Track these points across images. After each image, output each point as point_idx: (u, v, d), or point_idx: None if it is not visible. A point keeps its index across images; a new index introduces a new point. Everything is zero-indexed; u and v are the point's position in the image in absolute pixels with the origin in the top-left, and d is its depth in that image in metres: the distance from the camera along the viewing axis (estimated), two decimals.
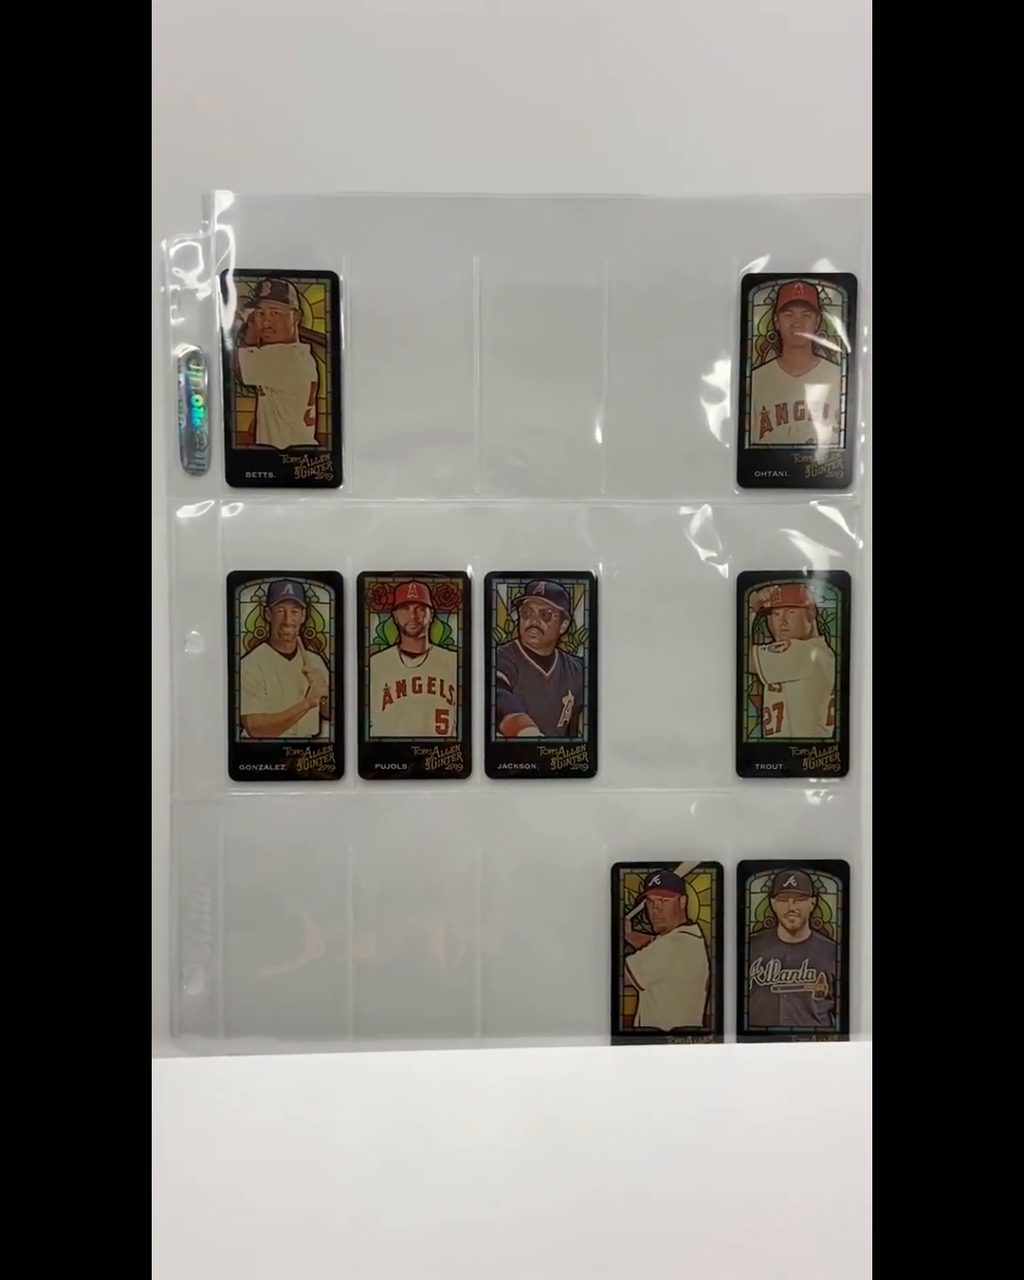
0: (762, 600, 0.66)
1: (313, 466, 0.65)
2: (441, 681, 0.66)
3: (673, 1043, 0.67)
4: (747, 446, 0.66)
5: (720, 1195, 0.62)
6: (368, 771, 0.66)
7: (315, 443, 0.65)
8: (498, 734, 0.67)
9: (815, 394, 0.66)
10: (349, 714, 0.66)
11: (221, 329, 0.65)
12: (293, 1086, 0.63)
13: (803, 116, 0.65)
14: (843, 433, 0.66)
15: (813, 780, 0.67)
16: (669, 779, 0.67)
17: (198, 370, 0.65)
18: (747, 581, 0.66)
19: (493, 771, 0.67)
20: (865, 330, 0.66)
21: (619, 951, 0.67)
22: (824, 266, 0.66)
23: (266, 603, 0.66)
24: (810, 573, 0.66)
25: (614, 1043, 0.67)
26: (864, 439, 0.66)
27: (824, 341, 0.66)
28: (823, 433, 0.66)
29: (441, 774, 0.66)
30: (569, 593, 0.66)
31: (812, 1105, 0.64)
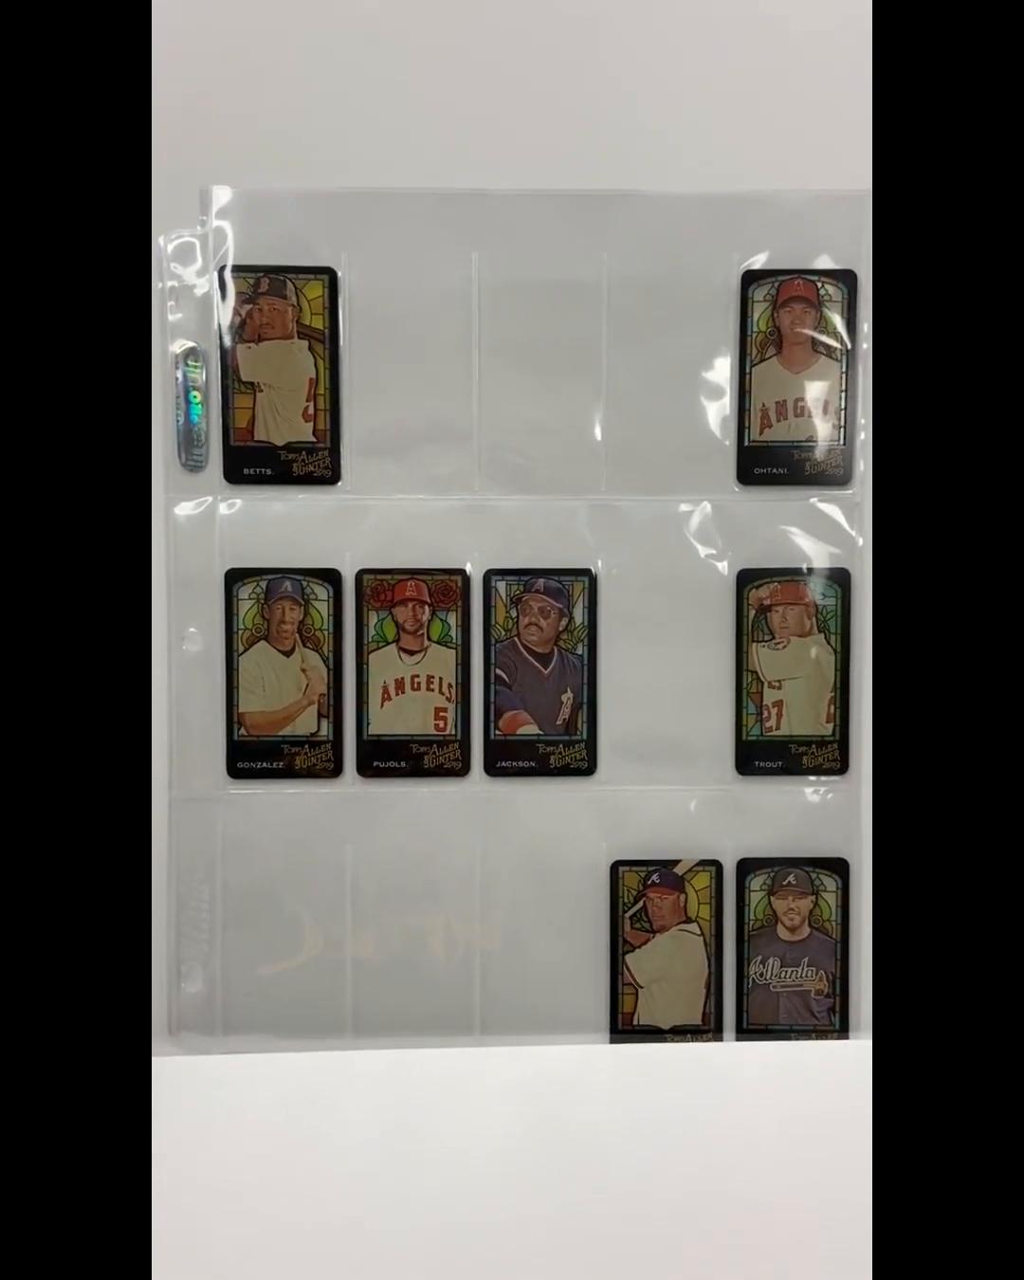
0: (761, 597, 0.66)
1: (311, 463, 0.65)
2: (440, 679, 0.66)
3: (672, 1041, 0.67)
4: (746, 443, 0.66)
5: (720, 1194, 0.62)
6: (366, 769, 0.66)
7: (314, 439, 0.65)
8: (497, 732, 0.66)
9: (815, 391, 0.66)
10: (347, 712, 0.66)
11: (219, 325, 0.65)
12: (291, 1085, 0.63)
13: (803, 112, 0.65)
14: (843, 429, 0.66)
15: (812, 778, 0.67)
16: (668, 777, 0.67)
17: (196, 366, 0.65)
18: (746, 579, 0.66)
19: (492, 769, 0.66)
20: (866, 327, 0.66)
21: (618, 949, 0.67)
22: (824, 263, 0.65)
23: (265, 600, 0.65)
24: (810, 570, 0.66)
25: (613, 1041, 0.67)
26: (864, 436, 0.66)
27: (824, 338, 0.66)
28: (823, 429, 0.66)
29: (440, 772, 0.66)
30: (568, 590, 0.66)
31: (811, 1104, 0.63)
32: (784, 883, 0.67)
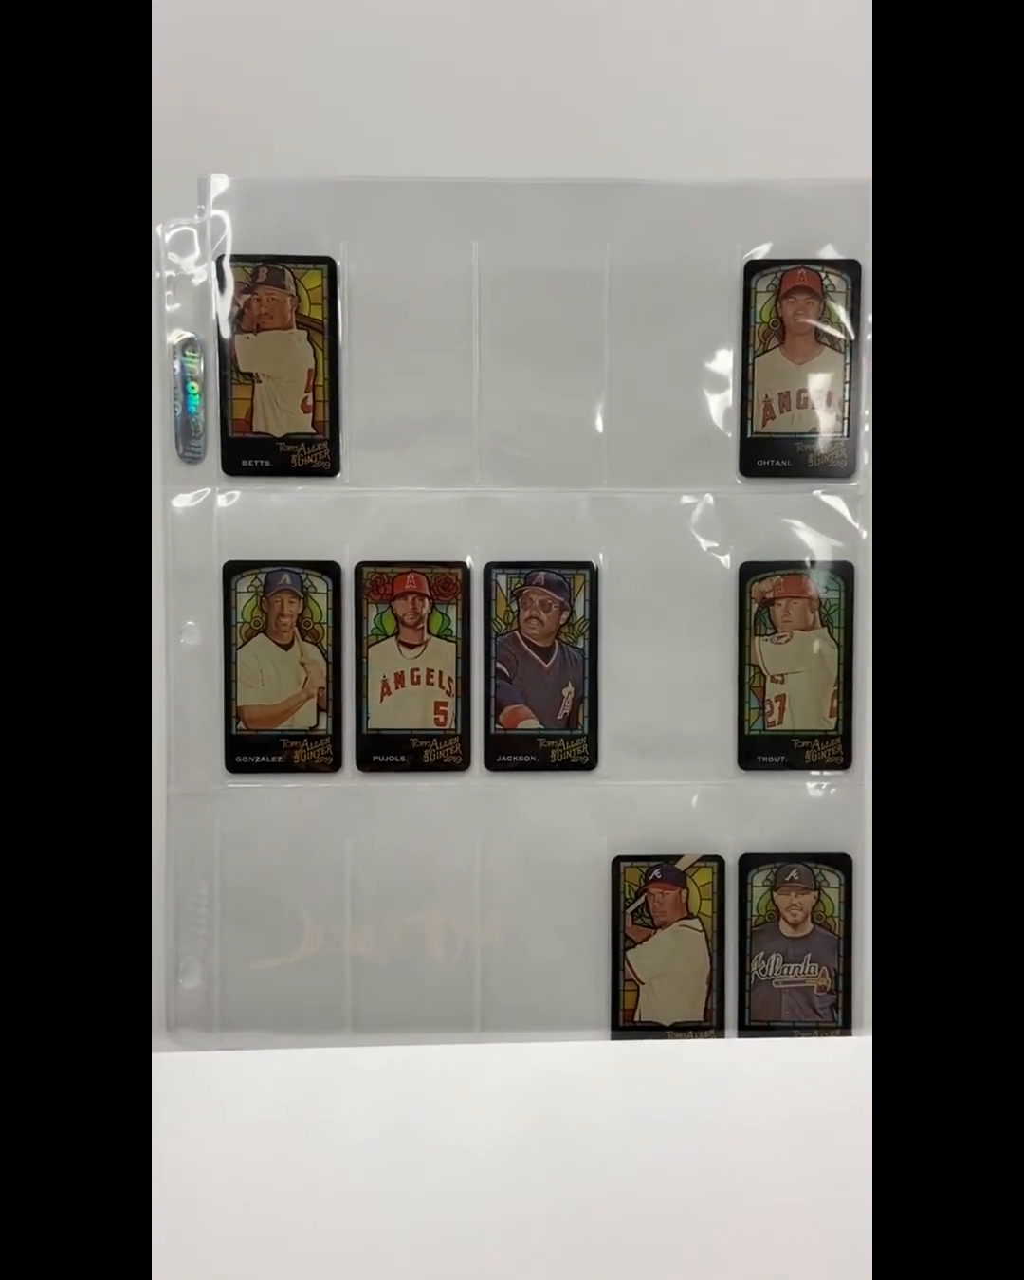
0: (764, 591, 0.66)
1: (310, 455, 0.65)
2: (440, 673, 0.66)
3: (673, 1038, 0.66)
4: (749, 435, 0.66)
5: (721, 1192, 0.62)
6: (366, 764, 0.66)
7: (312, 431, 0.65)
8: (497, 726, 0.66)
9: (818, 382, 0.65)
10: (347, 705, 0.66)
11: (218, 315, 0.64)
12: (290, 1082, 0.63)
13: (807, 100, 0.64)
14: (846, 421, 0.65)
15: (815, 773, 0.66)
16: (670, 771, 0.66)
17: (193, 357, 0.64)
18: (749, 572, 0.66)
19: (492, 764, 0.66)
20: (870, 317, 0.65)
21: (619, 946, 0.66)
22: (828, 253, 0.65)
23: (263, 593, 0.65)
24: (813, 563, 0.66)
25: (614, 1038, 0.66)
26: (867, 428, 0.65)
27: (827, 329, 0.65)
28: (826, 421, 0.65)
29: (440, 766, 0.66)
30: (569, 583, 0.66)
31: (813, 1101, 0.63)
32: (786, 878, 0.66)
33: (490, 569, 0.65)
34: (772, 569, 0.66)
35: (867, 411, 0.65)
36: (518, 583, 0.66)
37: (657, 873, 0.66)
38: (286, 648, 0.65)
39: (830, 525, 0.66)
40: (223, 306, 0.64)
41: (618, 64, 0.64)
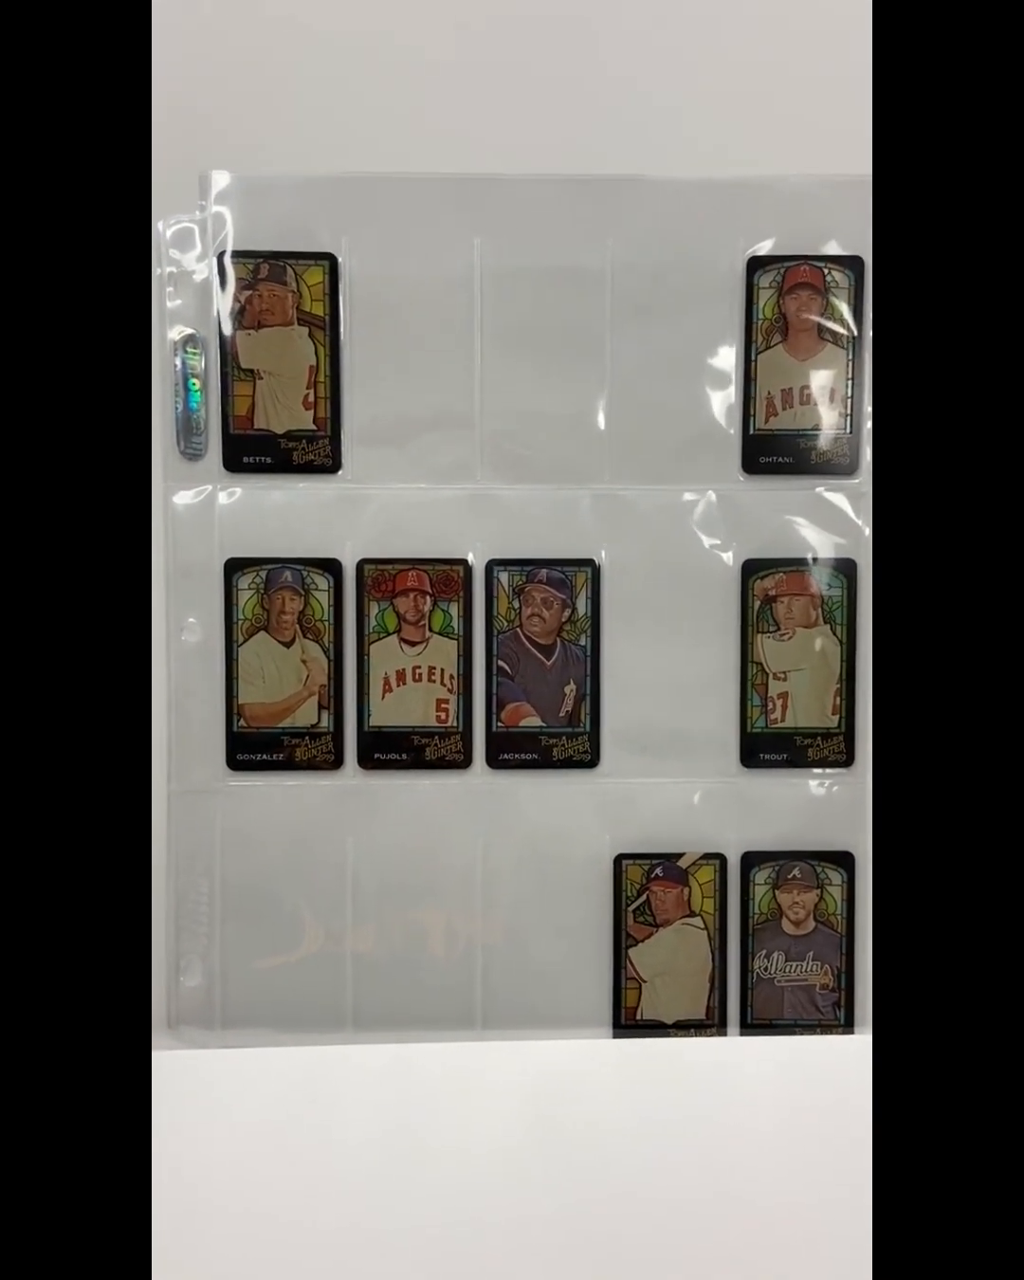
0: (766, 588, 0.66)
1: (311, 451, 0.65)
2: (442, 670, 0.66)
3: (675, 1036, 0.66)
4: (751, 432, 0.65)
5: (722, 1191, 0.62)
6: (367, 761, 0.66)
7: (314, 427, 0.65)
8: (499, 723, 0.66)
9: (821, 378, 0.65)
10: (348, 703, 0.66)
11: (219, 311, 0.64)
12: (291, 1080, 0.63)
13: (810, 95, 0.64)
14: (849, 418, 0.65)
15: (817, 770, 0.66)
16: (672, 769, 0.66)
17: (194, 353, 0.64)
18: (751, 569, 0.66)
19: (494, 761, 0.66)
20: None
21: (621, 943, 0.66)
22: (831, 249, 0.65)
23: (264, 590, 0.65)
24: (815, 560, 0.66)
25: (616, 1036, 0.66)
26: (870, 424, 0.65)
27: (830, 325, 0.65)
28: (829, 418, 0.65)
29: (442, 764, 0.66)
30: (571, 580, 0.65)
31: (815, 1100, 0.63)
32: (789, 876, 0.66)
33: (492, 566, 0.65)
34: (774, 566, 0.66)
35: (869, 408, 0.65)
36: (519, 580, 0.65)
37: (658, 870, 0.66)
38: (288, 645, 0.65)
39: (833, 522, 0.66)
40: (224, 303, 0.64)
41: (620, 60, 0.64)
